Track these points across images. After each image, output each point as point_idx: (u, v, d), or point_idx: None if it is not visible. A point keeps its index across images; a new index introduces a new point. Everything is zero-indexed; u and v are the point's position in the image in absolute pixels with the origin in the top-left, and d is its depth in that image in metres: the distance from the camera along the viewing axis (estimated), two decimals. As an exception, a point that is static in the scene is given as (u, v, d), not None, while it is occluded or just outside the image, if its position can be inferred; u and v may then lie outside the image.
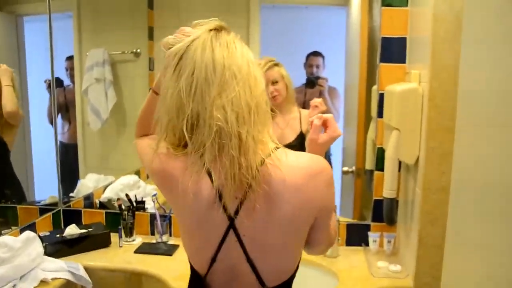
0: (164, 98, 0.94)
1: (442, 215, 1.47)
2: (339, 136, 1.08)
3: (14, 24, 2.24)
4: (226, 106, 0.87)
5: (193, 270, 1.05)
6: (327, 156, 2.17)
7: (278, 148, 0.94)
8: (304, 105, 2.13)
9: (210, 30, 0.94)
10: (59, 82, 2.34)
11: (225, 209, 0.91)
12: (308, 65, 2.17)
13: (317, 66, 2.18)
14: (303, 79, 2.17)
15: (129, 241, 2.01)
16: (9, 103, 1.99)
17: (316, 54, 2.18)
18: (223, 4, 2.31)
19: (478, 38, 1.37)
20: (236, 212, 0.91)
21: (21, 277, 1.57)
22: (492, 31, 1.35)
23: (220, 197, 0.90)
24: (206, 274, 1.01)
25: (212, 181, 0.90)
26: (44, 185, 2.32)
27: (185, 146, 0.93)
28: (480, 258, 1.01)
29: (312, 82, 2.17)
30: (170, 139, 0.94)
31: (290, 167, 0.90)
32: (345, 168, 2.22)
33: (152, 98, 1.09)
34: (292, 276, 1.03)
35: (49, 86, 2.26)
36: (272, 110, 0.95)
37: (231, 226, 0.93)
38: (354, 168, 2.17)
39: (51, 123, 2.27)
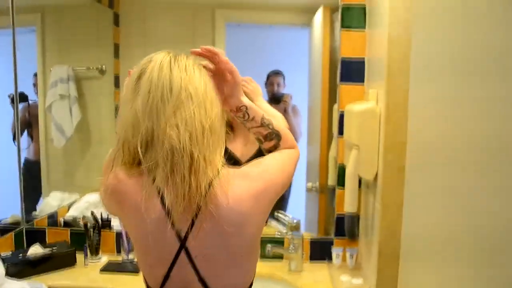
0: (120, 115, 0.98)
1: (399, 229, 1.56)
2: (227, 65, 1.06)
3: None
4: (180, 125, 0.91)
5: (147, 287, 1.08)
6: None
7: (226, 168, 0.98)
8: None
9: (169, 53, 0.99)
10: (23, 97, 2.33)
11: (176, 229, 0.95)
12: (269, 83, 2.26)
13: (278, 85, 2.27)
14: (265, 97, 2.26)
15: (95, 260, 2.02)
16: None
17: (276, 73, 2.28)
18: (189, 22, 2.38)
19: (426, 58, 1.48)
20: (187, 233, 0.95)
21: (-18, 300, 1.58)
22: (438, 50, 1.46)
23: (171, 217, 0.93)
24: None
25: (163, 201, 0.93)
26: (4, 203, 2.30)
27: (139, 164, 0.95)
28: (435, 269, 1.08)
29: (277, 98, 2.25)
30: (125, 158, 0.97)
31: (234, 191, 0.95)
32: (309, 184, 2.30)
33: None
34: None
35: (12, 101, 2.26)
36: (228, 131, 1.01)
37: (182, 246, 0.96)
38: (317, 184, 2.25)
39: (14, 139, 2.27)
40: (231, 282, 1.03)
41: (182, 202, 0.91)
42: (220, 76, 1.06)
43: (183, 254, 0.97)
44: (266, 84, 2.26)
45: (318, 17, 2.21)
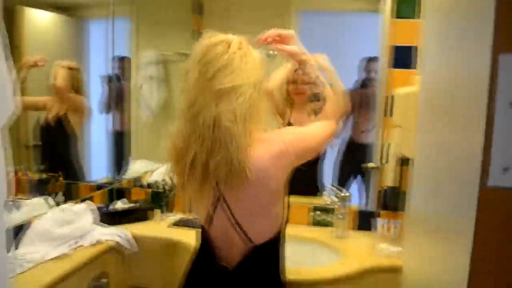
0: None
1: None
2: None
3: (79, 26, 2.68)
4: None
5: (201, 226, 1.44)
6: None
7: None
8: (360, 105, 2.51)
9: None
10: (116, 78, 2.84)
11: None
12: (366, 70, 2.50)
13: (375, 72, 2.47)
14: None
15: (169, 216, 2.47)
16: (57, 80, 2.42)
17: (372, 59, 2.49)
18: (267, 11, 2.71)
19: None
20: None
21: (82, 236, 2.05)
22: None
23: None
24: (209, 226, 1.39)
25: None
26: (97, 167, 2.78)
27: None
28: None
29: (365, 84, 2.50)
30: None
31: (256, 152, 1.25)
32: (370, 164, 2.55)
33: None
34: (277, 238, 1.38)
35: (104, 81, 2.76)
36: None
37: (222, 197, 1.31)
38: (378, 164, 2.50)
39: (107, 113, 2.77)
40: (262, 225, 1.36)
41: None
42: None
43: (222, 202, 1.32)
44: (363, 69, 2.50)
45: (385, 4, 2.43)
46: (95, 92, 2.76)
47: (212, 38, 1.29)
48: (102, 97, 2.78)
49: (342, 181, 2.52)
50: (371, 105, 2.44)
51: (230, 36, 1.30)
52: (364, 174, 2.52)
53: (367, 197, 2.46)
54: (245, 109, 1.23)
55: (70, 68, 2.46)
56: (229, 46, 1.26)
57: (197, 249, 1.50)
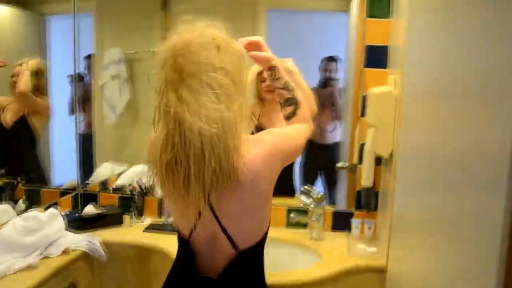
0: None
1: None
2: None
3: (39, 22, 2.57)
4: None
5: (179, 234, 1.39)
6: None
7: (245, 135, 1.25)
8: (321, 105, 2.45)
9: None
10: (80, 77, 2.73)
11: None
12: (322, 69, 2.49)
13: (330, 71, 2.49)
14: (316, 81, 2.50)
15: (139, 221, 2.40)
16: (20, 84, 2.32)
17: (331, 59, 2.50)
18: (233, 9, 2.67)
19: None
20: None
21: (48, 245, 1.96)
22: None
23: None
24: (189, 237, 1.34)
25: None
26: (61, 171, 2.68)
27: None
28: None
29: (324, 83, 2.49)
30: None
31: (249, 153, 1.21)
32: (340, 164, 2.58)
33: None
34: (261, 242, 1.36)
35: (72, 81, 2.66)
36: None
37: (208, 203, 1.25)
38: (347, 163, 2.52)
39: (72, 114, 2.67)
40: (248, 230, 1.33)
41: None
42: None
43: (208, 208, 1.26)
44: (320, 68, 2.49)
45: (355, 4, 2.45)
46: (57, 92, 2.65)
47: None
48: (70, 98, 2.69)
49: (308, 182, 2.51)
50: (332, 105, 2.46)
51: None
52: (331, 175, 2.54)
53: (334, 197, 2.47)
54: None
55: (35, 72, 2.36)
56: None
57: (176, 259, 1.45)
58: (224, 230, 1.29)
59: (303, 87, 1.77)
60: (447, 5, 1.15)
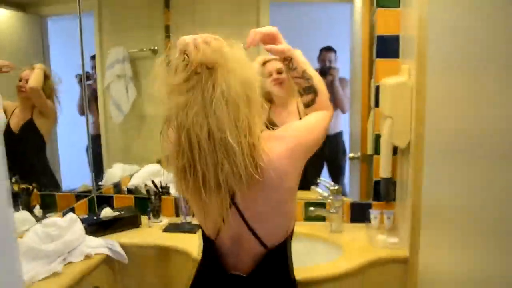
0: None
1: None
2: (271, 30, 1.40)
3: (39, 24, 2.55)
4: None
5: (204, 234, 1.40)
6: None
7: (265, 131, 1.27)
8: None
9: None
10: (88, 77, 2.70)
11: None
12: (321, 59, 2.52)
13: (329, 61, 2.52)
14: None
15: (157, 222, 2.40)
16: (32, 80, 2.30)
17: (328, 49, 2.53)
18: (234, 4, 2.68)
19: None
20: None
21: (69, 252, 1.97)
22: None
23: None
24: (215, 237, 1.35)
25: None
26: (71, 174, 2.66)
27: None
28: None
29: (324, 71, 2.50)
30: None
31: (273, 151, 1.23)
32: (351, 154, 2.60)
33: None
34: (288, 238, 1.37)
35: (80, 80, 2.63)
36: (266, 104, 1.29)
37: (233, 202, 1.26)
38: (359, 153, 2.54)
39: (82, 115, 2.64)
40: (276, 228, 1.33)
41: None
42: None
43: (233, 208, 1.27)
44: (318, 60, 2.51)
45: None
46: (61, 95, 2.62)
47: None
48: (79, 98, 2.67)
49: (315, 173, 2.52)
50: (332, 94, 2.47)
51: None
52: (337, 165, 2.57)
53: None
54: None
55: (44, 72, 2.35)
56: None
57: (201, 260, 1.46)
58: (251, 230, 1.30)
59: (316, 76, 1.76)
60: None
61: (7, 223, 0.70)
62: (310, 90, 1.44)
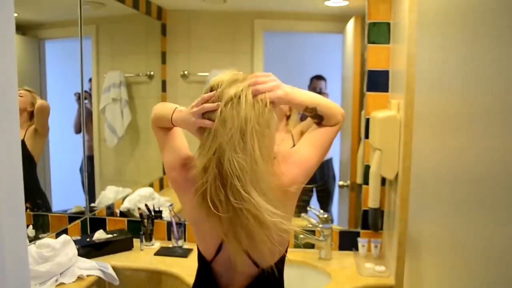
0: None
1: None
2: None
3: (37, 47, 2.63)
4: None
5: (200, 254, 1.44)
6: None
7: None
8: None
9: None
10: (85, 97, 2.74)
11: None
12: (311, 87, 2.63)
13: (320, 89, 2.63)
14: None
15: (149, 245, 2.45)
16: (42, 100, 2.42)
17: (319, 78, 2.64)
18: (230, 31, 2.78)
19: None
20: None
21: (61, 273, 2.00)
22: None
23: None
24: (212, 259, 1.39)
25: None
26: (62, 195, 2.67)
27: None
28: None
29: None
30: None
31: (291, 173, 1.31)
32: (341, 182, 2.69)
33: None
34: (282, 259, 1.42)
35: (78, 98, 2.68)
36: None
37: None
38: (348, 182, 2.63)
39: (78, 133, 2.69)
40: (269, 248, 1.33)
41: None
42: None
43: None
44: (309, 88, 2.62)
45: (350, 27, 2.58)
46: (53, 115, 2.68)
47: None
48: (77, 116, 2.72)
49: (304, 200, 2.59)
50: None
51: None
52: (325, 192, 2.68)
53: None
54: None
55: (29, 91, 2.42)
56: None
57: (195, 280, 1.50)
58: (245, 251, 1.33)
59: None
60: (457, 31, 1.25)
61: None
62: (316, 117, 1.48)
